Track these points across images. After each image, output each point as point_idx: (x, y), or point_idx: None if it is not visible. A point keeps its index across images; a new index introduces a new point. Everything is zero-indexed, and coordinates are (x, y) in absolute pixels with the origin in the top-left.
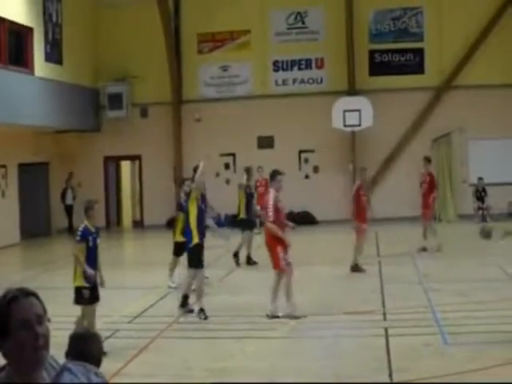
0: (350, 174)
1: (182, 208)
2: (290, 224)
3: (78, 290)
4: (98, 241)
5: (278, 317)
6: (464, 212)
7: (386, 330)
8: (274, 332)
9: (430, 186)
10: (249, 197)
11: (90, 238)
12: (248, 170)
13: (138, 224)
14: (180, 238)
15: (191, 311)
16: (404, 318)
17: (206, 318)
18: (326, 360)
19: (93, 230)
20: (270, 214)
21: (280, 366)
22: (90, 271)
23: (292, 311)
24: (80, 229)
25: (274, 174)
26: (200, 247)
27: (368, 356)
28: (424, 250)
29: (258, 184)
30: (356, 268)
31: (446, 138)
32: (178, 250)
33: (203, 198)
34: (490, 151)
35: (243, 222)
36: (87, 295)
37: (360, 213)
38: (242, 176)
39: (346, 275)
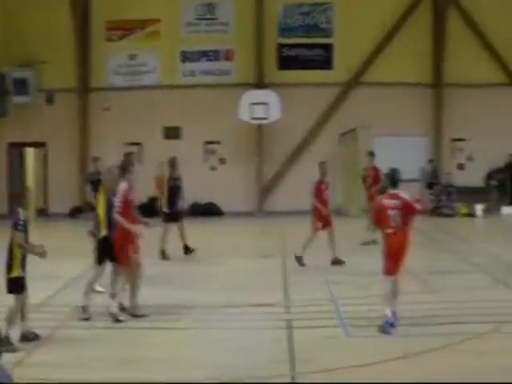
0: (256, 167)
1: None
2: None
3: (16, 280)
4: None
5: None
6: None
7: (289, 322)
8: (178, 323)
9: (374, 180)
10: (173, 189)
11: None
12: (171, 162)
13: (42, 212)
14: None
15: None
16: (307, 311)
17: (87, 318)
18: (229, 351)
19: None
20: (118, 205)
21: (183, 356)
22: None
23: (134, 311)
24: (22, 218)
25: (127, 165)
26: (108, 241)
27: (271, 348)
28: (374, 242)
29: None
30: (299, 260)
31: (352, 133)
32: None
33: (114, 192)
34: (394, 148)
35: (166, 216)
36: (23, 284)
37: (322, 206)
38: (156, 167)
39: (250, 267)
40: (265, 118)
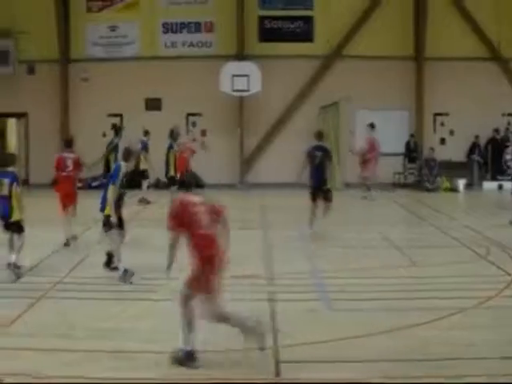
0: (238, 138)
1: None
2: None
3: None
4: None
5: None
6: (350, 181)
7: (271, 294)
8: (155, 294)
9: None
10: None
11: None
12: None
13: (24, 182)
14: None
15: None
16: (289, 284)
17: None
18: (209, 323)
19: None
20: None
21: (160, 327)
22: None
23: None
24: None
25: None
26: None
27: None
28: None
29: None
30: None
31: (334, 106)
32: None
33: None
34: (376, 121)
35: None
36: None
37: None
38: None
39: (232, 239)
40: (246, 90)
